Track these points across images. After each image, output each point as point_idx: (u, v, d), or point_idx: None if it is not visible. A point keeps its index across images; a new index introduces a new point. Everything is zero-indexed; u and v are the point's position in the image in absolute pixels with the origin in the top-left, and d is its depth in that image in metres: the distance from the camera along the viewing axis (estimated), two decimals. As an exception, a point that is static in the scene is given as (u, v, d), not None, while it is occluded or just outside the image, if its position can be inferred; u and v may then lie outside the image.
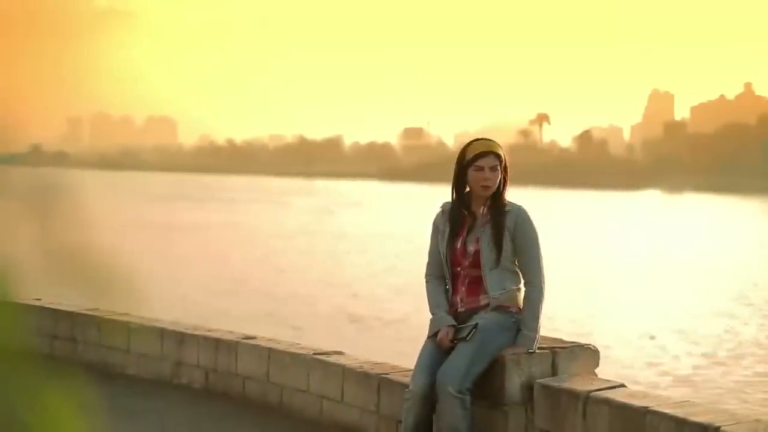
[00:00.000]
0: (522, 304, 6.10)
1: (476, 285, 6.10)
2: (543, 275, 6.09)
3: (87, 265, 1.54)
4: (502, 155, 6.15)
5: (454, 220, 6.19)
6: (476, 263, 6.07)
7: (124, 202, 79.61)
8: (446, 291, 6.26)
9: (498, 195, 6.13)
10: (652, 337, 24.34)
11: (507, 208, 6.10)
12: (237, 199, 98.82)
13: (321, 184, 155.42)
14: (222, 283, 32.56)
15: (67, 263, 1.54)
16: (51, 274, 1.53)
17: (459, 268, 6.16)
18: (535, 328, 6.04)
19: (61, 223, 1.56)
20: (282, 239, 51.38)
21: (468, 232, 6.14)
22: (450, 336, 5.99)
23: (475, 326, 5.92)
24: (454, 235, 6.18)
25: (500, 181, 6.13)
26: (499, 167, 6.11)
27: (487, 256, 6.03)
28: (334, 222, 66.81)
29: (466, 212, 6.18)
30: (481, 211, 6.14)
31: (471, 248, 6.09)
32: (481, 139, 6.29)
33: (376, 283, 32.63)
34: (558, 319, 24.28)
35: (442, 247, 6.20)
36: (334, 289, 31.81)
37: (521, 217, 6.08)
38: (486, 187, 6.08)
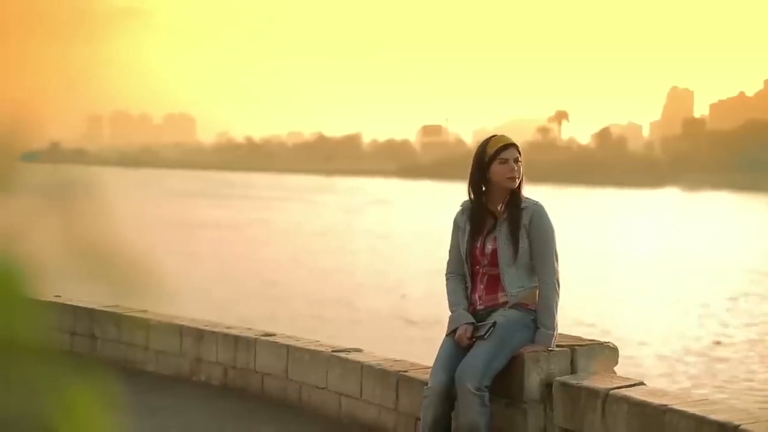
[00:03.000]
0: (533, 300, 6.09)
1: (494, 283, 6.10)
2: (556, 272, 6.06)
3: (109, 262, 1.54)
4: (520, 150, 6.18)
5: (475, 219, 6.18)
6: (494, 262, 6.07)
7: (150, 200, 79.57)
8: (466, 289, 6.26)
9: (515, 192, 6.12)
10: (718, 343, 23.86)
11: (524, 205, 6.07)
12: (261, 197, 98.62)
13: (340, 181, 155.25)
14: (263, 286, 31.85)
15: (88, 260, 1.54)
16: (71, 271, 1.53)
17: (478, 267, 6.16)
18: (552, 326, 6.03)
19: (82, 220, 1.56)
20: (316, 238, 50.74)
21: (488, 232, 6.13)
22: (468, 334, 5.98)
23: (494, 324, 5.91)
24: (474, 234, 6.17)
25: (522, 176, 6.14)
26: (519, 160, 6.12)
27: (504, 254, 6.03)
28: (364, 220, 66.36)
29: (485, 211, 6.17)
30: (499, 208, 6.12)
31: (489, 247, 6.09)
32: (497, 135, 6.29)
33: (426, 283, 31.00)
34: (608, 321, 24.17)
35: (463, 246, 6.19)
36: (382, 290, 31.13)
37: (537, 212, 6.06)
38: (513, 179, 6.07)
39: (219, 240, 48.57)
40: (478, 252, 6.14)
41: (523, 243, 6.02)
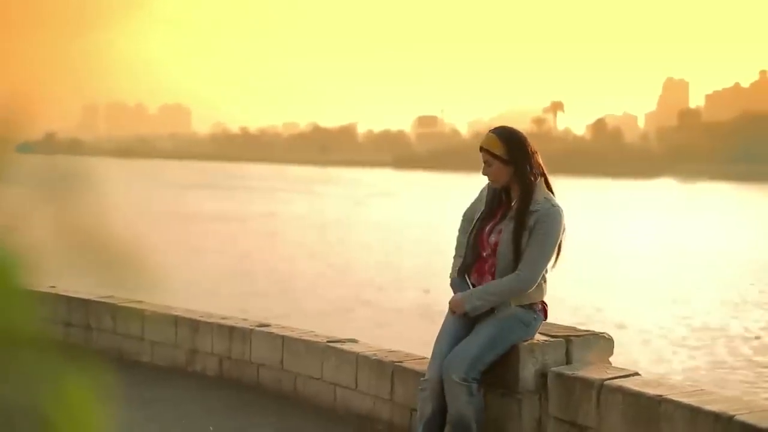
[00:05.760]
0: (540, 296, 6.01)
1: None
2: (534, 273, 5.84)
3: (104, 253, 1.54)
4: (498, 150, 5.89)
5: (490, 204, 6.08)
6: (496, 254, 5.97)
7: (148, 191, 79.14)
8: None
9: (528, 190, 5.88)
10: (757, 337, 23.53)
11: (535, 207, 5.85)
12: (261, 188, 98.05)
13: (336, 172, 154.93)
14: (277, 282, 30.82)
15: (83, 251, 1.54)
16: (66, 262, 1.53)
17: (483, 253, 6.04)
18: (482, 298, 5.89)
19: (77, 211, 1.56)
20: (326, 231, 49.94)
21: (500, 220, 5.99)
22: (460, 311, 6.00)
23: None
24: (486, 218, 6.07)
25: (526, 175, 5.88)
26: (496, 161, 5.90)
27: (503, 256, 5.88)
28: (371, 213, 65.73)
29: (504, 197, 6.04)
30: (513, 204, 5.97)
31: (493, 238, 5.95)
32: (491, 130, 6.12)
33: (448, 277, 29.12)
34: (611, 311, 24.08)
35: (473, 224, 6.11)
36: (403, 286, 30.36)
37: (543, 217, 5.82)
38: (492, 181, 6.02)
39: (226, 233, 47.73)
40: (484, 237, 6.02)
41: (523, 248, 5.85)
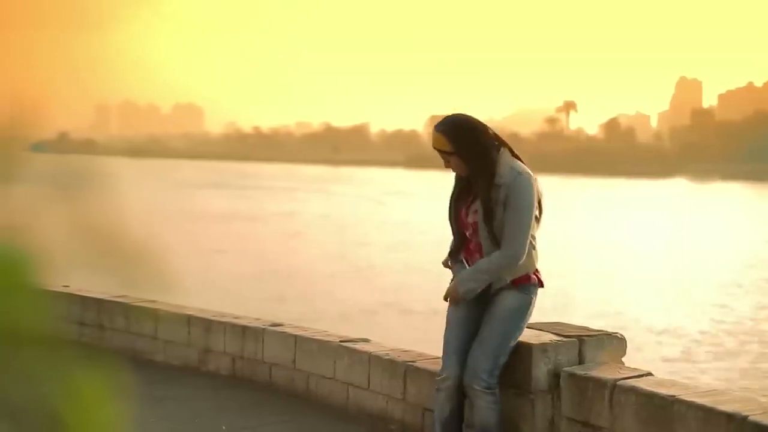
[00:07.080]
0: (532, 266, 5.90)
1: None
2: (519, 245, 5.73)
3: (117, 252, 1.54)
4: (445, 146, 5.76)
5: (461, 183, 5.97)
6: (478, 232, 5.88)
7: (164, 191, 79.07)
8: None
9: (488, 170, 5.73)
10: None
11: (501, 181, 5.70)
12: (276, 188, 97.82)
13: (350, 171, 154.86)
14: (305, 284, 30.57)
15: (96, 250, 1.54)
16: (79, 262, 1.53)
17: (467, 233, 5.96)
18: (474, 278, 5.84)
19: (90, 210, 1.56)
20: (347, 231, 49.55)
21: (474, 200, 5.88)
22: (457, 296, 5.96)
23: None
24: (460, 199, 5.98)
25: (481, 158, 5.74)
26: (452, 155, 5.78)
27: (484, 235, 5.81)
28: (390, 212, 65.30)
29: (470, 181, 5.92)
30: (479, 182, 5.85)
31: (471, 219, 5.88)
32: (435, 126, 5.93)
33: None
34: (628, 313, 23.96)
35: (451, 208, 6.03)
36: (429, 287, 29.99)
37: (512, 186, 5.68)
38: (458, 173, 5.93)
39: (242, 233, 47.36)
40: (462, 217, 5.95)
41: (499, 223, 5.75)
